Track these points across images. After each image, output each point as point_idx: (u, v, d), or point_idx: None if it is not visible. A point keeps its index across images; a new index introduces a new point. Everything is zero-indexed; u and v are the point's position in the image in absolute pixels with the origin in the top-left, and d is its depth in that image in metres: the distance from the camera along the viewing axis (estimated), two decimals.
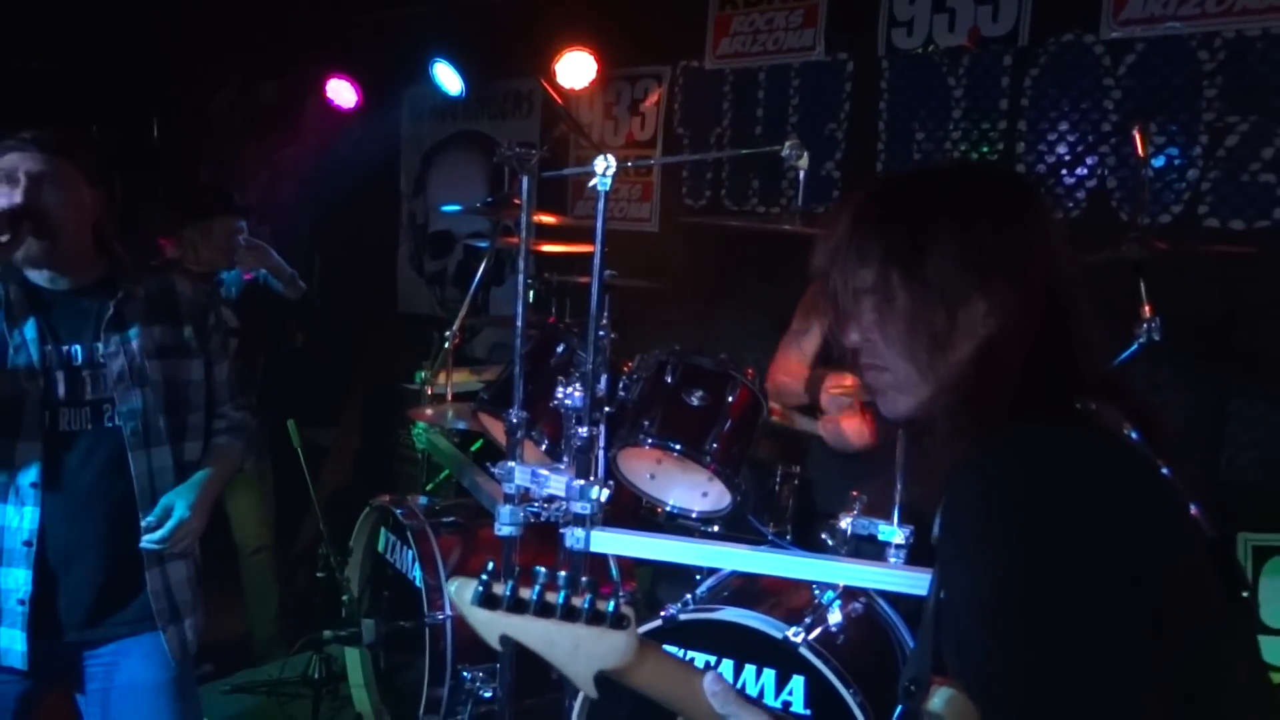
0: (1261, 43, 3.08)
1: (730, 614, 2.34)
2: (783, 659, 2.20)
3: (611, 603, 1.20)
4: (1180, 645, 1.01)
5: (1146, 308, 2.51)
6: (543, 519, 2.45)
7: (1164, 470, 1.12)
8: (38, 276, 2.20)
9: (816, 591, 2.48)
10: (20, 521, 2.12)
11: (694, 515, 2.68)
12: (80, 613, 2.20)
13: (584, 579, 1.21)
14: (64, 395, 2.15)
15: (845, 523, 2.40)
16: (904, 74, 3.84)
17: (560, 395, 2.46)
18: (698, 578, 2.60)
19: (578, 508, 2.33)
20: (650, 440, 2.49)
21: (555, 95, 4.18)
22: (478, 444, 3.43)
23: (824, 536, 2.46)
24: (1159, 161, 3.24)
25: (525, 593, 1.19)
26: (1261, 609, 2.82)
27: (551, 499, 2.42)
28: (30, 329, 2.14)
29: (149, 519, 2.19)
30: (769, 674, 2.21)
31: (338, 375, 4.74)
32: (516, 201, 2.57)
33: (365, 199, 5.76)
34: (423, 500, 3.32)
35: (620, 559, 2.95)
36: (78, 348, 2.19)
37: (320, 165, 5.42)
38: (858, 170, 3.95)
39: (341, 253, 4.74)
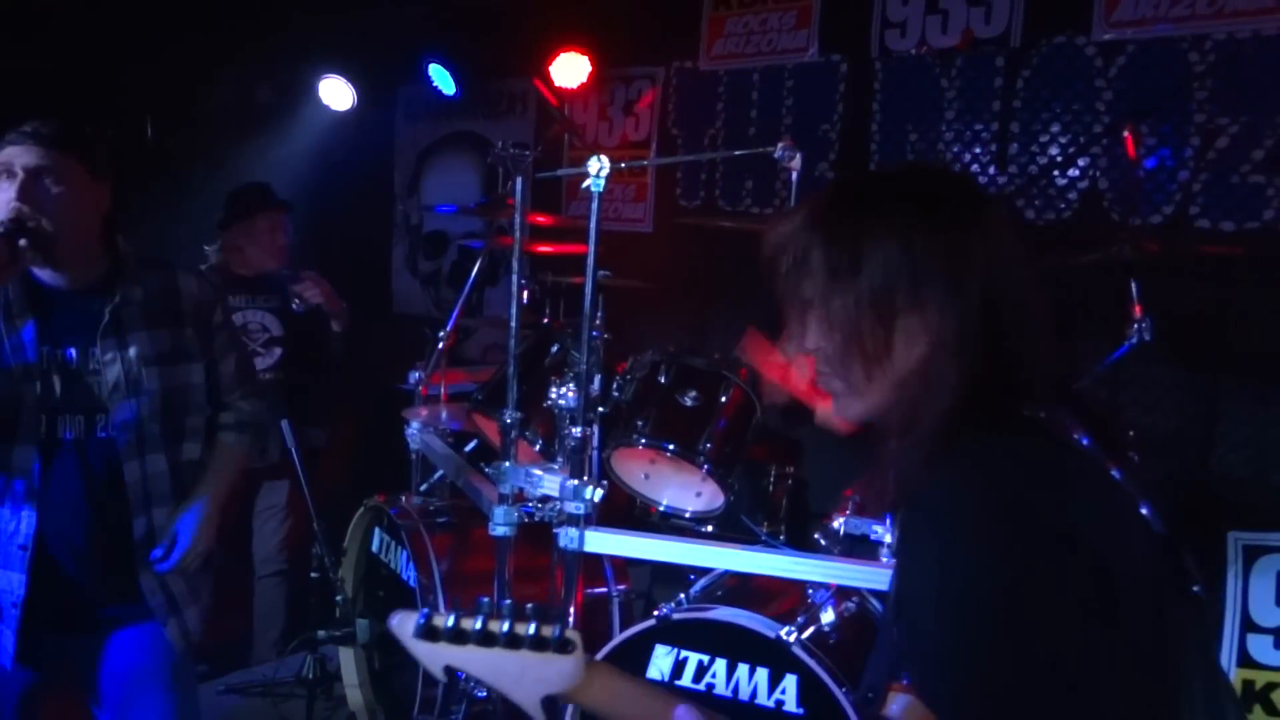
0: (1252, 44, 3.10)
1: (723, 613, 2.34)
2: (776, 658, 2.21)
3: (556, 628, 1.22)
4: (1132, 643, 1.02)
5: (1137, 308, 2.52)
6: (537, 519, 2.46)
7: (1114, 473, 1.14)
8: (39, 273, 2.15)
9: (810, 591, 2.49)
10: (17, 525, 2.11)
11: (687, 515, 2.69)
12: (75, 613, 2.20)
13: (529, 606, 1.23)
14: (60, 399, 2.12)
15: (838, 523, 2.41)
16: (897, 75, 3.86)
17: (554, 395, 2.48)
18: (691, 577, 2.61)
19: (572, 508, 2.34)
20: (644, 440, 2.50)
21: (549, 96, 4.18)
22: (472, 444, 3.43)
23: (817, 536, 2.47)
24: (1150, 163, 3.26)
25: (468, 623, 1.21)
26: (1251, 608, 2.83)
27: (545, 499, 2.43)
28: (29, 330, 2.10)
29: (156, 551, 2.20)
30: (762, 673, 2.22)
31: (332, 375, 4.73)
32: (510, 202, 2.57)
33: (360, 199, 5.76)
34: (417, 500, 3.33)
35: (614, 559, 2.96)
36: (74, 351, 2.14)
37: (315, 165, 5.41)
38: (851, 170, 3.96)
39: (336, 253, 4.74)
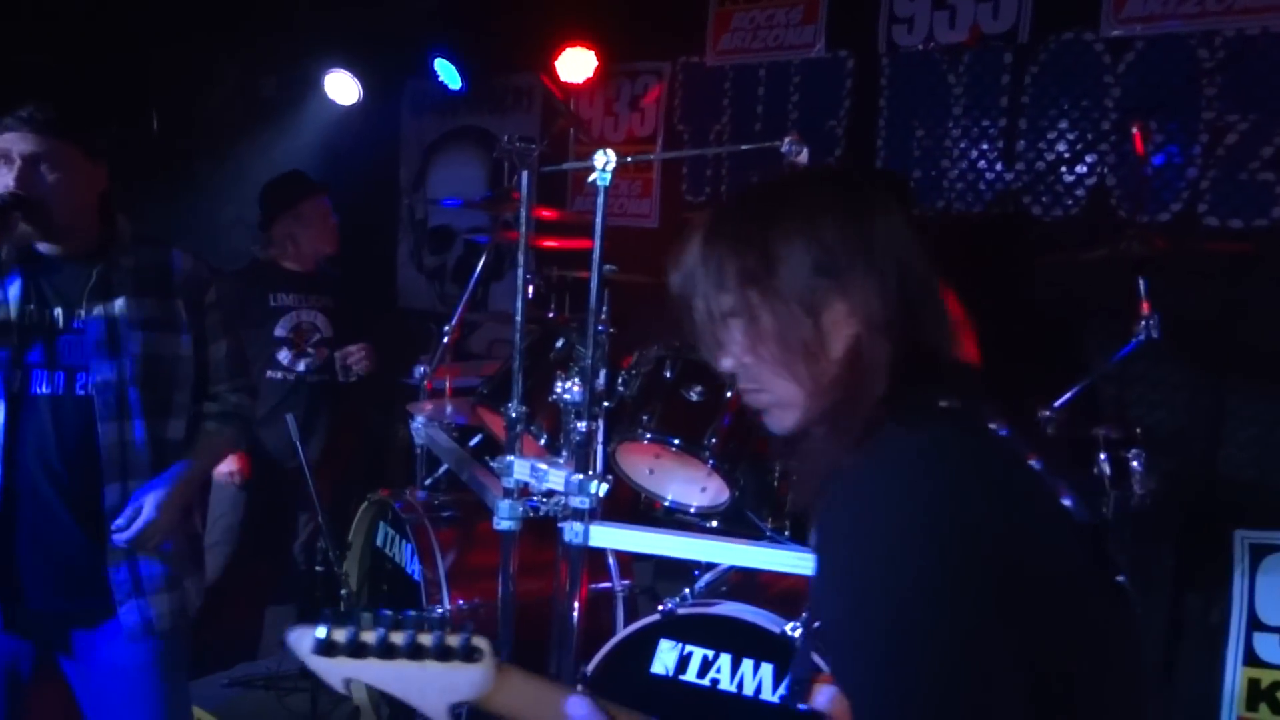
0: (1261, 41, 3.08)
1: (729, 608, 2.34)
2: (781, 653, 2.20)
3: (462, 636, 1.19)
4: (1042, 639, 1.02)
5: (1145, 305, 2.52)
6: (541, 513, 2.45)
7: (1033, 463, 1.11)
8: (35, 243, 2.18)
9: None
10: None
11: (692, 510, 2.68)
12: (46, 580, 2.17)
13: (434, 615, 1.21)
14: (39, 358, 2.13)
15: None
16: (904, 71, 3.85)
17: (559, 390, 2.47)
18: (696, 572, 2.60)
19: (576, 502, 2.34)
20: (649, 435, 2.50)
21: (556, 91, 4.18)
22: (477, 439, 3.43)
23: None
24: (1158, 159, 3.25)
25: (368, 636, 1.18)
26: (1258, 606, 2.83)
27: (550, 493, 2.42)
28: (15, 289, 2.13)
29: (118, 520, 2.16)
30: (766, 668, 2.22)
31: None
32: (516, 196, 2.57)
33: (365, 194, 5.75)
34: (421, 494, 3.33)
35: (619, 553, 2.96)
36: (59, 311, 2.16)
37: (320, 160, 5.41)
38: (858, 166, 3.95)
39: (341, 247, 4.75)
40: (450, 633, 1.20)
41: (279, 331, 3.77)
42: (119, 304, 2.19)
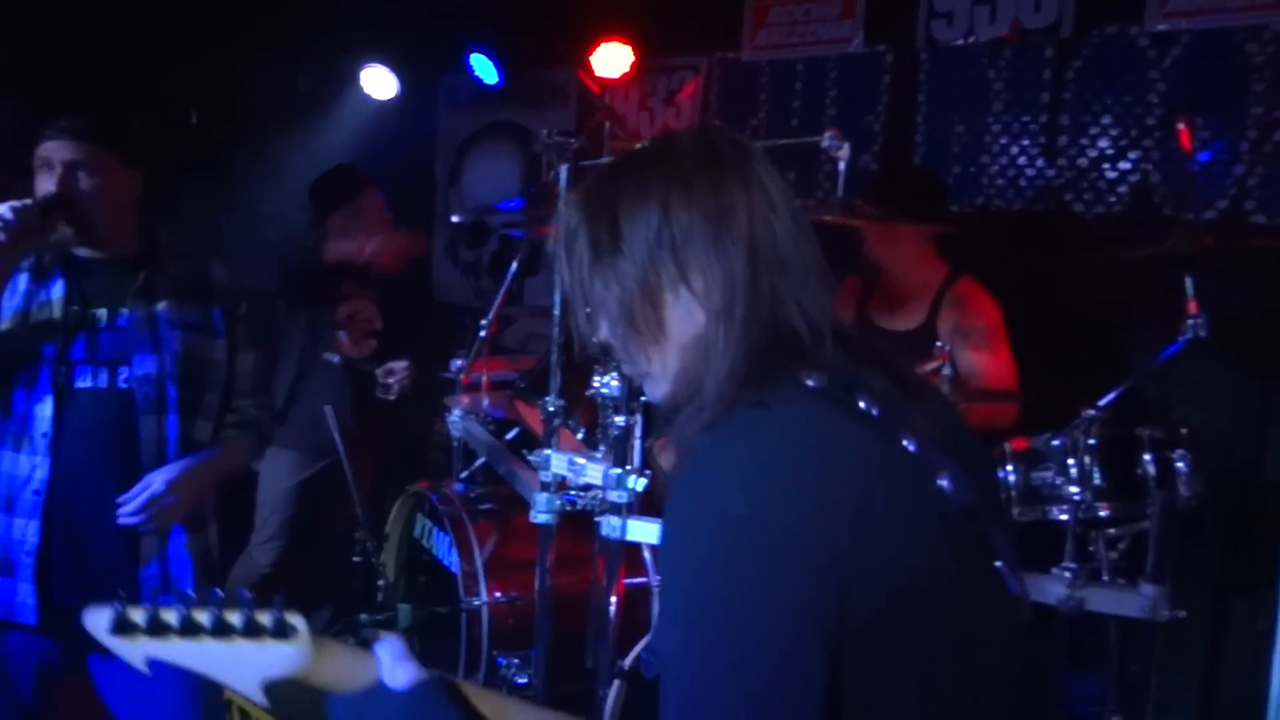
0: None
1: None
2: None
3: (272, 614, 1.15)
4: (889, 627, 0.99)
5: (1193, 304, 2.47)
6: (579, 507, 2.46)
7: (907, 443, 1.06)
8: (75, 248, 2.26)
9: None
10: (32, 471, 2.17)
11: None
12: (77, 577, 2.21)
13: (244, 594, 1.17)
14: (82, 354, 2.20)
15: None
16: (943, 66, 3.81)
17: (597, 384, 2.47)
18: None
19: (614, 496, 2.34)
20: None
21: (592, 86, 4.18)
22: (513, 432, 3.45)
23: None
24: (1204, 156, 3.19)
25: (168, 615, 1.15)
26: None
27: (588, 487, 2.43)
28: (58, 289, 2.21)
29: (125, 495, 2.20)
30: None
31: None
32: (554, 191, 2.57)
33: (401, 188, 5.78)
34: (459, 487, 3.34)
35: (655, 548, 2.95)
36: (103, 311, 2.24)
37: (357, 154, 5.45)
38: (895, 163, 3.92)
39: None
40: (260, 610, 1.16)
41: (338, 317, 3.82)
42: (161, 305, 2.28)
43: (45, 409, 2.16)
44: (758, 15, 4.37)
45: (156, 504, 2.21)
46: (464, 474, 3.44)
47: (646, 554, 2.95)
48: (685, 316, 1.12)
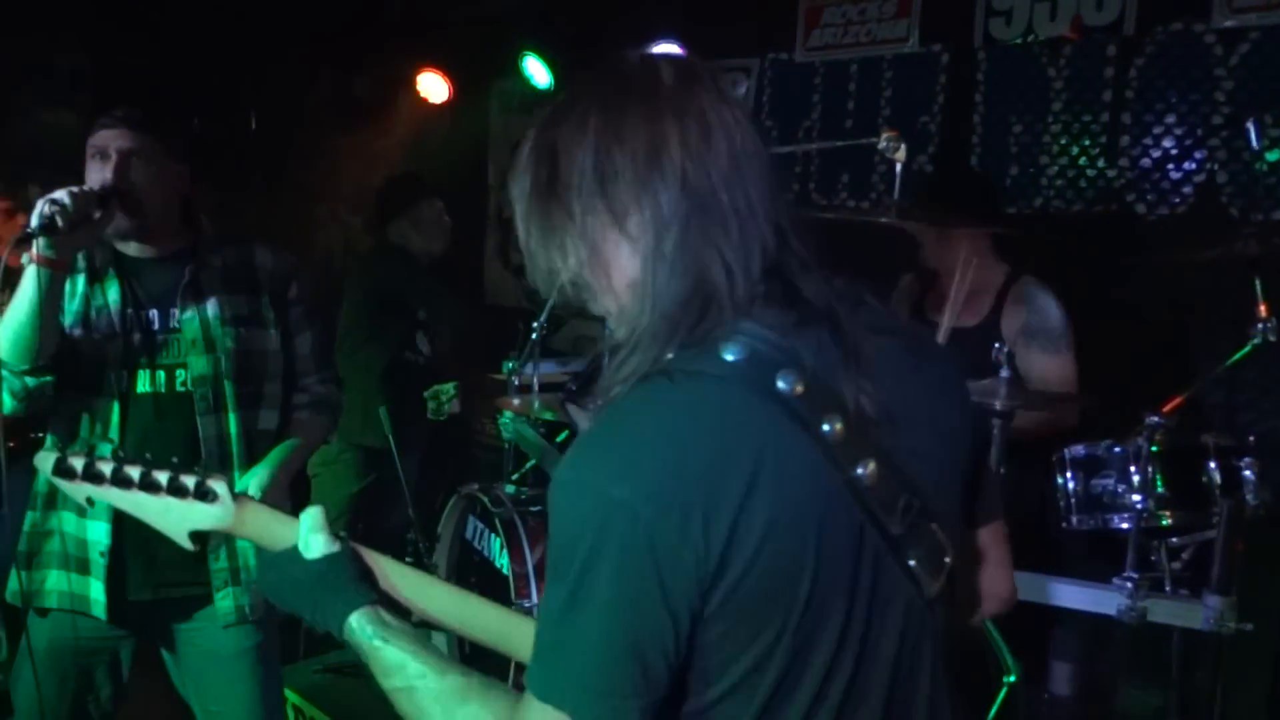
0: None
1: None
2: None
3: (194, 478, 1.34)
4: (766, 620, 0.98)
5: (1262, 307, 2.40)
6: None
7: (825, 428, 0.99)
8: (123, 245, 2.29)
9: None
10: None
11: None
12: (148, 572, 2.26)
13: (172, 459, 1.36)
14: (141, 358, 2.23)
15: None
16: (1001, 65, 3.75)
17: None
18: None
19: None
20: None
21: None
22: (563, 434, 3.46)
23: None
24: (1273, 155, 3.11)
25: (103, 466, 1.36)
26: None
27: None
28: (114, 292, 2.24)
29: None
30: None
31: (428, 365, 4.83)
32: None
33: (453, 191, 5.84)
34: (509, 489, 3.36)
35: None
36: (155, 312, 2.27)
37: (410, 158, 5.51)
38: (951, 164, 3.87)
39: None
40: (184, 473, 1.35)
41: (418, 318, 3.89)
42: (211, 303, 2.30)
43: (110, 415, 2.20)
44: (811, 16, 4.33)
45: None
46: (515, 476, 3.45)
47: None
48: (626, 258, 1.07)
